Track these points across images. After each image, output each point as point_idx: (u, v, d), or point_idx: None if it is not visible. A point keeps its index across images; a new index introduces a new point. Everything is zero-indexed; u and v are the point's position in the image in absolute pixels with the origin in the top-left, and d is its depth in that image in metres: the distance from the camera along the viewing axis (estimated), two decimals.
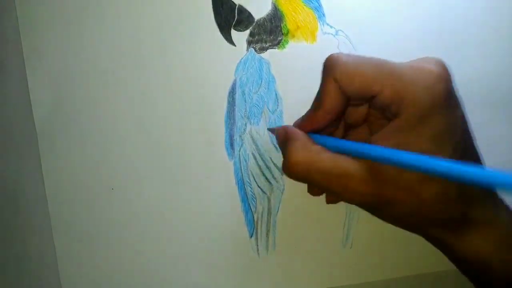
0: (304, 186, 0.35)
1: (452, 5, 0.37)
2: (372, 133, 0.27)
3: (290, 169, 0.25)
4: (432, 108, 0.23)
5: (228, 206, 0.36)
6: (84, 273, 0.36)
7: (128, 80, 0.35)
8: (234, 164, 0.35)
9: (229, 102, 0.35)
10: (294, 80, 0.35)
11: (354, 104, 0.27)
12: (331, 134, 0.28)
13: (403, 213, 0.24)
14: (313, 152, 0.25)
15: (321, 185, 0.25)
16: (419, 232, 0.26)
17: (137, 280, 0.36)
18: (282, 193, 0.36)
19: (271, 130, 0.34)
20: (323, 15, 0.35)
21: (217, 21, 0.34)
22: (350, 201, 0.25)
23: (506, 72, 0.37)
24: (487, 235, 0.24)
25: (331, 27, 0.35)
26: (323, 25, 0.35)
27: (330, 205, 0.36)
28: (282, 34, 0.35)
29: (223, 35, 0.35)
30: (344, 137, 0.29)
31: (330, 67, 0.25)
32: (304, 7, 0.35)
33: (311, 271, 0.37)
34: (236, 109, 0.35)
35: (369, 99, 0.25)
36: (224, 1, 0.34)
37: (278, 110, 0.35)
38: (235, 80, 0.35)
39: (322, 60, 0.35)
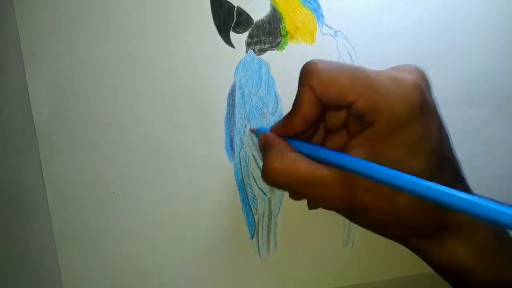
0: None
1: (451, 5, 0.37)
2: (350, 139, 0.27)
3: (267, 176, 0.25)
4: (406, 118, 0.23)
5: (228, 208, 0.36)
6: (85, 274, 0.36)
7: (128, 82, 0.35)
8: (235, 165, 0.36)
9: (228, 104, 0.35)
10: (293, 81, 0.35)
11: (332, 109, 0.27)
12: (310, 138, 0.29)
13: (379, 220, 0.24)
14: (290, 160, 0.25)
15: (299, 192, 0.25)
16: (396, 239, 0.26)
17: (138, 282, 0.36)
18: (282, 194, 0.36)
19: (252, 130, 0.34)
20: (322, 16, 0.35)
21: (216, 23, 0.34)
22: (327, 207, 0.25)
23: (507, 72, 0.37)
24: (465, 241, 0.24)
25: (330, 28, 0.35)
26: (322, 26, 0.35)
27: None
28: (281, 35, 0.35)
29: (222, 38, 0.35)
30: (324, 140, 0.29)
31: (306, 74, 0.25)
32: (303, 8, 0.35)
33: (313, 271, 0.37)
34: (236, 111, 0.35)
35: (345, 107, 0.25)
36: (223, 3, 0.34)
37: (278, 111, 0.35)
38: (234, 82, 0.35)
39: None
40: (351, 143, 0.25)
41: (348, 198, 0.24)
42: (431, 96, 0.25)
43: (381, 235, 0.26)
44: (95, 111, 0.35)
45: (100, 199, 0.35)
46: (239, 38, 0.35)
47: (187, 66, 0.35)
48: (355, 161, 0.23)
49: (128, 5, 0.34)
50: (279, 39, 0.35)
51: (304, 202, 0.36)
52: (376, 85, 0.23)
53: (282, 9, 0.35)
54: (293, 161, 0.25)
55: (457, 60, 0.37)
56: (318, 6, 0.35)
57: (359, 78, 0.24)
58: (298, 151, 0.26)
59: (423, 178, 0.22)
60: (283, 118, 0.28)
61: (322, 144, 0.29)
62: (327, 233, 0.36)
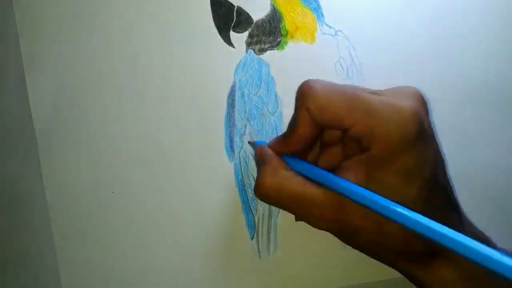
0: None
1: (452, 4, 0.36)
2: (345, 155, 0.27)
3: (258, 191, 0.26)
4: (403, 146, 0.23)
5: (229, 208, 0.36)
6: (84, 275, 0.36)
7: (127, 82, 0.35)
8: (235, 166, 0.35)
9: (228, 104, 0.35)
10: (293, 81, 0.35)
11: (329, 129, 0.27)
12: (306, 152, 0.29)
13: (369, 242, 0.24)
14: (282, 178, 0.25)
15: (289, 209, 0.25)
16: (386, 262, 0.26)
17: (137, 282, 0.36)
18: None
19: (251, 143, 0.34)
20: (322, 15, 0.35)
21: (216, 23, 0.34)
22: (317, 227, 0.25)
23: (507, 72, 0.37)
24: (453, 266, 0.24)
25: (330, 27, 0.35)
26: (322, 25, 0.35)
27: None
28: (281, 35, 0.35)
29: (222, 37, 0.35)
30: (319, 154, 0.29)
31: (303, 96, 0.25)
32: (303, 7, 0.35)
33: (313, 272, 0.37)
34: (236, 111, 0.35)
35: (341, 130, 0.25)
36: (223, 3, 0.34)
37: (278, 111, 0.35)
38: (234, 82, 0.35)
39: (321, 60, 0.35)
40: (346, 164, 0.25)
41: (338, 219, 0.24)
42: (429, 122, 0.25)
43: (371, 257, 0.26)
44: (95, 111, 0.35)
45: (100, 200, 0.35)
46: (239, 38, 0.35)
47: (187, 66, 0.35)
48: (348, 186, 0.23)
49: (128, 5, 0.34)
50: (279, 39, 0.35)
51: None
52: (374, 111, 0.23)
53: (282, 8, 0.35)
54: (286, 178, 0.25)
55: (457, 59, 0.37)
56: (318, 6, 0.35)
57: (356, 103, 0.24)
58: (292, 169, 0.26)
59: (416, 204, 0.22)
60: (280, 136, 0.28)
61: (318, 157, 0.29)
62: (327, 233, 0.36)
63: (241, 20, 0.34)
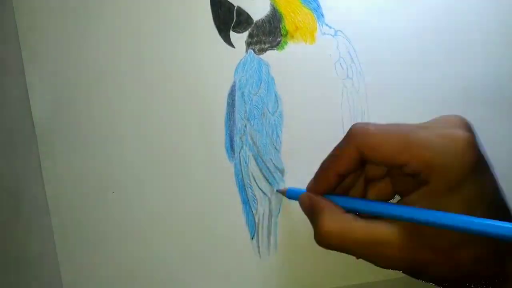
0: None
1: (452, 3, 0.36)
2: (395, 188, 0.27)
3: (322, 240, 0.25)
4: (463, 176, 0.23)
5: (229, 208, 0.36)
6: (85, 275, 0.36)
7: (128, 82, 0.35)
8: (235, 166, 0.35)
9: (228, 104, 0.35)
10: (293, 81, 0.35)
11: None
12: (349, 189, 0.28)
13: (440, 275, 0.24)
14: (345, 222, 0.25)
15: (355, 252, 0.25)
16: None
17: (137, 282, 0.36)
18: (282, 197, 0.36)
19: (281, 192, 0.34)
20: (322, 15, 0.35)
21: (216, 23, 0.34)
22: (384, 267, 0.25)
23: (507, 72, 0.37)
24: None
25: (330, 27, 0.35)
26: (322, 25, 0.35)
27: None
28: (281, 35, 0.35)
29: (222, 37, 0.35)
30: (365, 191, 0.29)
31: (355, 136, 0.25)
32: (303, 7, 0.35)
33: (313, 271, 0.37)
34: (236, 110, 0.35)
35: (396, 167, 0.24)
36: (223, 3, 0.34)
37: (278, 111, 0.35)
38: (234, 82, 0.35)
39: (321, 60, 0.35)
40: (407, 200, 0.24)
41: (408, 257, 0.24)
42: (482, 150, 0.25)
43: (438, 285, 0.26)
44: (95, 111, 0.35)
45: (100, 200, 0.35)
46: (239, 38, 0.35)
47: (187, 65, 0.35)
48: (416, 210, 0.23)
49: (128, 5, 0.34)
50: (279, 39, 0.35)
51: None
52: (429, 144, 0.23)
53: (282, 8, 0.35)
54: (348, 222, 0.25)
55: (458, 59, 0.37)
56: (318, 6, 0.35)
57: (410, 139, 0.23)
58: (349, 210, 0.26)
59: None
60: (316, 173, 0.28)
61: (364, 193, 0.29)
62: None
63: (241, 20, 0.34)
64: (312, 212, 0.27)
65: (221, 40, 0.35)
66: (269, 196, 0.36)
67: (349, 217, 0.25)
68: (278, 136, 0.35)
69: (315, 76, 0.35)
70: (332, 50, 0.35)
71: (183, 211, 0.36)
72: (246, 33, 0.35)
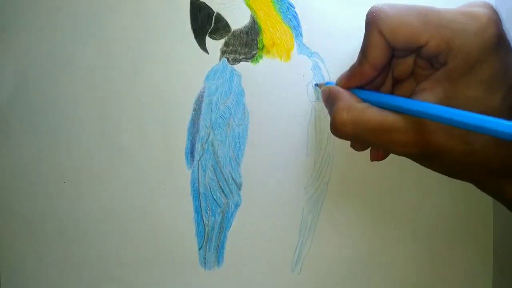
0: (264, 202, 0.35)
1: None
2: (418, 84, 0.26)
3: (337, 130, 0.25)
4: (482, 54, 0.22)
5: (180, 215, 0.35)
6: (26, 263, 0.35)
7: (94, 75, 0.34)
8: (192, 173, 0.35)
9: (194, 110, 0.34)
10: (263, 96, 0.35)
11: (400, 55, 0.26)
12: (377, 89, 0.28)
13: (454, 162, 0.23)
14: (358, 111, 0.25)
15: (369, 141, 0.25)
16: (470, 180, 0.25)
17: (84, 277, 0.35)
18: (237, 208, 0.35)
19: (319, 85, 0.33)
20: (301, 34, 0.34)
21: (193, 26, 0.34)
22: (398, 153, 0.25)
23: None
24: None
25: (306, 47, 0.34)
26: (299, 45, 0.34)
27: (284, 226, 0.35)
28: (257, 48, 0.34)
29: (197, 41, 0.34)
30: (391, 93, 0.28)
31: (374, 18, 0.24)
32: (283, 24, 0.34)
33: None
34: (201, 117, 0.34)
35: (415, 50, 0.24)
36: (202, 7, 0.34)
37: (244, 124, 0.35)
38: (203, 88, 0.34)
39: (294, 79, 0.34)
40: (420, 86, 0.24)
41: (421, 142, 0.23)
42: (505, 31, 0.24)
43: (457, 178, 0.25)
44: (58, 100, 0.34)
45: (50, 188, 0.34)
46: (215, 45, 0.34)
47: (157, 65, 0.34)
48: (426, 105, 0.22)
49: None
50: (255, 52, 0.34)
51: (258, 220, 0.35)
52: (448, 22, 0.22)
53: (262, 22, 0.34)
54: (362, 110, 0.24)
55: None
56: (298, 25, 0.34)
57: (430, 17, 0.23)
58: (365, 101, 0.25)
59: (502, 113, 0.21)
60: (350, 68, 0.27)
61: (391, 93, 0.28)
62: (276, 254, 0.35)
63: (219, 27, 0.34)
64: (329, 102, 0.27)
65: (196, 44, 0.34)
66: (223, 208, 0.35)
67: (363, 106, 0.25)
68: (240, 149, 0.35)
69: (286, 94, 0.34)
70: (306, 71, 0.34)
71: (132, 211, 0.35)
72: (222, 41, 0.34)
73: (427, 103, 0.23)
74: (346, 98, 0.26)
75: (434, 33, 0.23)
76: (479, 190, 0.25)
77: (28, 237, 0.35)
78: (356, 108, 0.25)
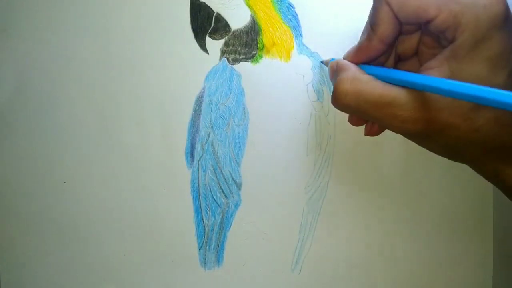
0: (264, 202, 0.35)
1: None
2: (422, 63, 0.26)
3: (338, 99, 0.25)
4: (490, 30, 0.22)
5: (180, 215, 0.35)
6: (26, 264, 0.35)
7: (95, 75, 0.34)
8: (192, 173, 0.35)
9: (194, 110, 0.34)
10: (263, 96, 0.35)
11: (406, 31, 0.26)
12: (381, 62, 0.28)
13: (455, 141, 0.23)
14: (362, 82, 0.24)
15: (369, 114, 0.24)
16: (469, 162, 0.25)
17: (84, 276, 0.35)
18: (237, 208, 0.35)
19: (325, 62, 0.32)
20: (301, 35, 0.34)
21: (193, 26, 0.34)
22: (398, 130, 0.24)
23: None
24: None
25: (306, 48, 0.34)
26: (299, 45, 0.34)
27: (284, 226, 0.35)
28: (257, 48, 0.34)
29: (197, 41, 0.34)
30: (395, 68, 0.28)
31: None
32: (283, 24, 0.34)
33: None
34: (201, 117, 0.34)
35: (423, 24, 0.24)
36: (202, 7, 0.34)
37: (244, 124, 0.35)
38: (203, 88, 0.34)
39: (294, 79, 0.35)
40: (426, 65, 0.23)
41: (423, 118, 0.23)
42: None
43: (454, 159, 0.25)
44: (58, 100, 0.34)
45: (49, 188, 0.34)
46: (215, 45, 0.34)
47: (157, 65, 0.34)
48: (432, 79, 0.22)
49: None
50: (255, 52, 0.34)
51: (258, 220, 0.35)
52: None
53: (262, 22, 0.34)
54: (365, 82, 0.24)
55: None
56: (298, 25, 0.34)
57: None
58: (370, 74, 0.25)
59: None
60: (358, 43, 0.27)
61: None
62: (276, 254, 0.35)
63: (219, 27, 0.34)
64: (334, 74, 0.27)
65: (196, 44, 0.34)
66: (223, 208, 0.35)
67: (367, 77, 0.24)
68: (240, 149, 0.35)
69: (286, 94, 0.34)
70: (306, 71, 0.34)
71: (132, 211, 0.35)
72: (222, 41, 0.34)
73: (433, 77, 0.22)
74: (351, 69, 0.26)
75: (443, 7, 0.22)
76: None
77: (28, 237, 0.34)
78: (360, 79, 0.24)
